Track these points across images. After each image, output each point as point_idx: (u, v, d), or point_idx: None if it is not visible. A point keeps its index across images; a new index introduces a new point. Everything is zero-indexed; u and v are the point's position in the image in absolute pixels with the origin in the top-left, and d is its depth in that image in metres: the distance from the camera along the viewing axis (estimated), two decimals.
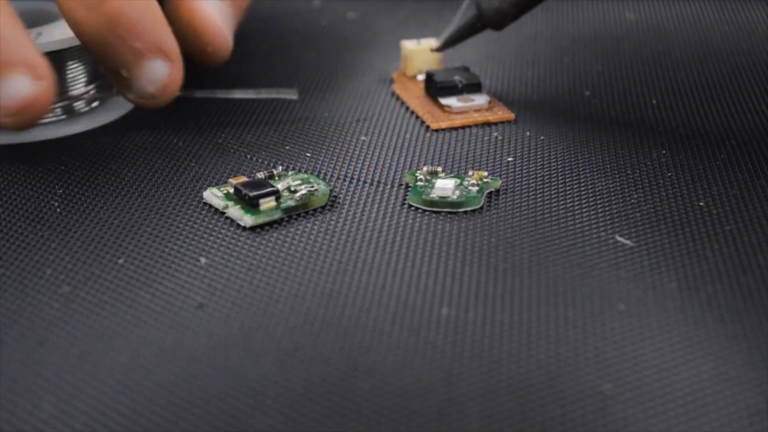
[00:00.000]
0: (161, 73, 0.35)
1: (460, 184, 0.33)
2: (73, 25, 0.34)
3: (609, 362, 0.25)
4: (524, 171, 0.34)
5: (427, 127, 0.37)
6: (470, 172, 0.34)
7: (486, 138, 0.37)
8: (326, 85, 0.42)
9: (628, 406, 0.24)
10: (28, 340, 0.27)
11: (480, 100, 0.38)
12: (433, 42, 0.40)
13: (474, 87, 0.38)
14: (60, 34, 0.37)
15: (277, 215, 0.32)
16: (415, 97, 0.39)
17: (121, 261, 0.30)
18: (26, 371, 0.26)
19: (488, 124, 0.38)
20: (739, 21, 0.48)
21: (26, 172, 0.35)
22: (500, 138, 0.37)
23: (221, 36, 0.37)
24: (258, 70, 0.44)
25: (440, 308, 0.27)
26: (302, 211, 0.32)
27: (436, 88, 0.38)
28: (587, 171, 0.34)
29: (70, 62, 0.38)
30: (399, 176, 0.34)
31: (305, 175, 0.34)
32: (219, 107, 0.40)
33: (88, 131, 0.38)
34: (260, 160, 0.36)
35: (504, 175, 0.34)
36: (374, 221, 0.32)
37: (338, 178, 0.34)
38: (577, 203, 0.32)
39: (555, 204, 0.32)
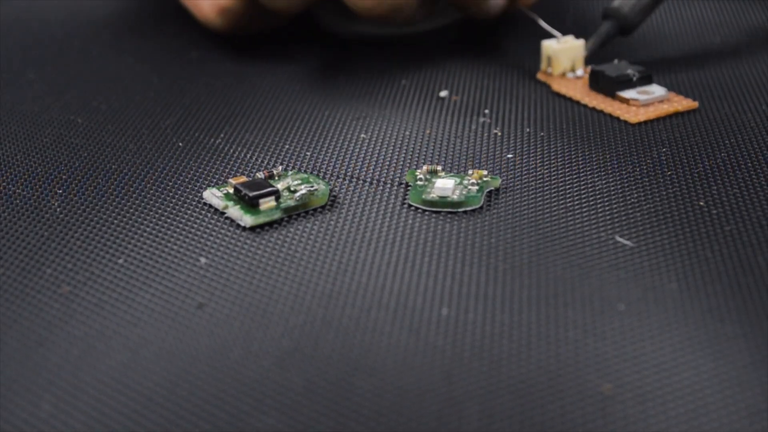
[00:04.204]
0: (499, 3, 0.43)
1: (460, 183, 0.33)
2: None
3: (609, 362, 0.25)
4: (524, 169, 0.34)
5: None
6: (470, 171, 0.34)
7: (485, 134, 0.37)
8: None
9: (628, 406, 0.24)
10: (27, 340, 0.27)
11: (659, 91, 0.38)
12: (571, 38, 0.41)
13: (646, 79, 0.39)
14: None
15: (277, 215, 0.32)
16: (583, 94, 0.39)
17: (120, 261, 0.30)
18: (26, 371, 0.26)
19: (677, 114, 0.38)
20: (739, 22, 0.48)
21: (26, 172, 0.35)
22: (499, 134, 0.37)
23: None
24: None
25: (440, 308, 0.27)
26: (302, 210, 0.32)
27: (611, 82, 0.38)
28: (587, 169, 0.34)
29: None
30: (399, 175, 0.34)
31: (305, 175, 0.34)
32: (218, 107, 0.40)
33: None
34: (260, 160, 0.36)
35: (504, 173, 0.34)
36: (374, 221, 0.32)
37: (338, 177, 0.34)
38: (577, 202, 0.32)
39: (555, 204, 0.32)
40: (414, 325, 0.27)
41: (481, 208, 0.32)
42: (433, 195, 0.32)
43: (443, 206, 0.32)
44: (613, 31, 0.42)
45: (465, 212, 0.32)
